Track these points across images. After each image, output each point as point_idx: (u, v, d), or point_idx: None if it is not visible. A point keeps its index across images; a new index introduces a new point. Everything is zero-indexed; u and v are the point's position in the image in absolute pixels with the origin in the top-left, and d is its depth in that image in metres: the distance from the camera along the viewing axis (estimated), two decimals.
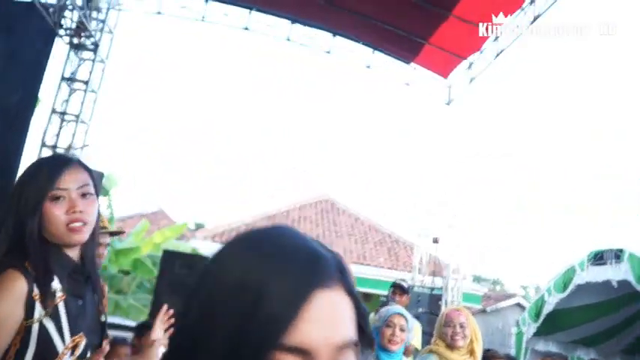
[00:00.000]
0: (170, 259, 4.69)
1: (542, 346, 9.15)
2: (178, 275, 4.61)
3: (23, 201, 1.25)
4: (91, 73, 6.16)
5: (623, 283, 6.90)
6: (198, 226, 29.18)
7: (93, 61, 6.14)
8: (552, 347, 9.17)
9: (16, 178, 1.33)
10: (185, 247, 10.77)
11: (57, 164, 1.31)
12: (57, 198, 1.26)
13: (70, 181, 1.28)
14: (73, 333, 1.26)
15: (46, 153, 5.79)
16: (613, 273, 7.12)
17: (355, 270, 12.93)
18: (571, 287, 7.97)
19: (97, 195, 1.38)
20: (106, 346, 1.37)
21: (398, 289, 4.33)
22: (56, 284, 1.25)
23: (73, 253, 1.33)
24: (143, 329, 3.58)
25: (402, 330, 2.63)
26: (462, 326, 2.81)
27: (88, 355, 1.32)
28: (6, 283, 1.18)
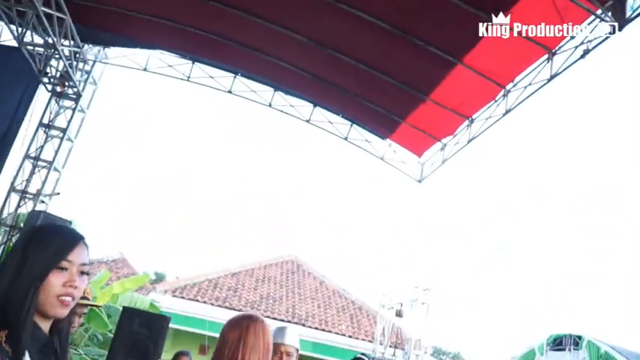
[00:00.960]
0: (130, 316, 4.54)
1: None
2: (137, 334, 4.45)
3: (28, 266, 1.25)
4: (69, 121, 6.17)
5: None
6: (159, 277, 28.29)
7: (73, 110, 6.16)
8: None
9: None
10: (143, 300, 10.39)
11: (71, 238, 1.34)
12: (62, 269, 1.28)
13: (76, 257, 1.31)
14: None
15: (15, 197, 5.67)
16: (572, 358, 7.21)
17: (317, 336, 12.65)
18: None
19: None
20: None
21: None
22: (28, 358, 1.23)
23: (45, 326, 1.31)
24: None
25: None
26: None
27: None
28: None
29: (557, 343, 7.67)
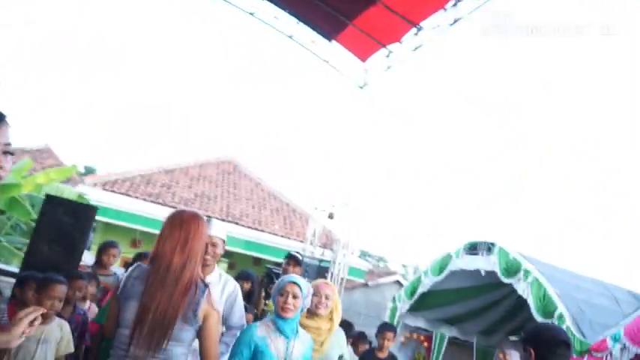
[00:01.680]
0: (53, 204, 4.36)
1: (412, 320, 9.97)
2: (61, 223, 4.32)
3: None
4: None
5: (491, 273, 7.67)
6: (88, 170, 27.35)
7: None
8: (420, 322, 10.04)
9: None
10: (71, 192, 10.05)
11: None
12: None
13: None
14: None
15: None
16: (483, 263, 7.88)
17: (250, 235, 12.98)
18: (446, 272, 8.70)
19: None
20: None
21: (292, 260, 4.45)
22: None
23: None
24: (24, 282, 3.37)
25: (294, 297, 2.72)
26: (326, 297, 3.17)
27: None
28: None
29: (473, 249, 8.30)
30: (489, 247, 7.89)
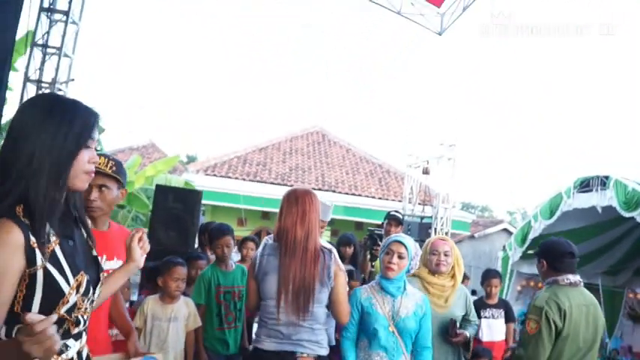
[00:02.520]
0: (163, 193, 4.73)
1: (526, 268, 9.56)
2: (172, 209, 4.67)
3: (60, 146, 1.28)
4: (70, 2, 5.89)
5: (608, 209, 7.10)
6: (191, 159, 29.20)
7: None
8: (536, 270, 9.57)
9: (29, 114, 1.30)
10: (177, 180, 10.81)
11: (93, 115, 1.38)
12: (88, 147, 1.35)
13: (96, 133, 1.40)
14: (74, 273, 1.30)
15: (31, 88, 5.66)
16: (598, 199, 7.31)
17: (347, 200, 13.15)
18: (557, 213, 8.19)
19: None
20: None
21: (393, 220, 4.40)
22: (49, 229, 1.28)
23: (61, 197, 1.36)
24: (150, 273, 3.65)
25: (400, 257, 2.66)
26: (445, 254, 3.05)
27: (91, 291, 1.37)
28: (1, 235, 1.18)
29: (584, 185, 7.71)
30: (603, 182, 7.28)
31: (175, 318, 3.19)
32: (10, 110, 6.66)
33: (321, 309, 2.41)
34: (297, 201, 2.45)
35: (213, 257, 3.76)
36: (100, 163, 2.07)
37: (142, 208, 9.97)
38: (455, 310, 3.06)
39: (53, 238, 1.29)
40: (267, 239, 2.56)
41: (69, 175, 1.31)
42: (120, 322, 2.34)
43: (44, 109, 1.31)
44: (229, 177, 13.02)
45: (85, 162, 1.34)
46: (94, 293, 1.40)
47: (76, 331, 1.34)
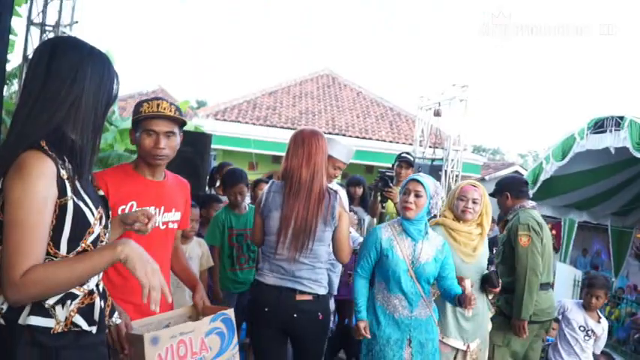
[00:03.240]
0: None
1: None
2: (183, 152, 4.67)
3: (102, 93, 1.36)
4: None
5: (621, 150, 6.99)
6: (200, 104, 29.02)
7: None
8: (546, 211, 9.61)
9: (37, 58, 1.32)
10: (187, 125, 10.80)
11: (115, 76, 1.43)
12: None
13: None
14: (95, 205, 1.36)
15: (35, 31, 5.58)
16: (612, 140, 7.16)
17: (357, 143, 13.09)
18: (570, 155, 8.08)
19: None
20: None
21: (404, 162, 4.35)
22: (69, 165, 1.31)
23: None
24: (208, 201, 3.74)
25: (417, 196, 2.58)
26: (474, 202, 2.88)
27: (108, 224, 1.44)
28: (37, 164, 1.22)
29: (598, 126, 7.56)
30: (618, 122, 7.12)
31: (189, 257, 3.28)
32: (16, 55, 6.61)
33: (324, 247, 2.45)
34: (304, 142, 2.46)
35: (225, 198, 3.83)
36: (164, 108, 1.99)
37: None
38: (482, 261, 2.95)
39: (72, 173, 1.33)
40: (274, 180, 2.59)
41: (102, 127, 1.39)
42: (184, 276, 2.33)
43: (86, 53, 1.35)
44: (239, 121, 12.99)
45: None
46: (108, 226, 1.44)
47: None
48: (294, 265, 2.39)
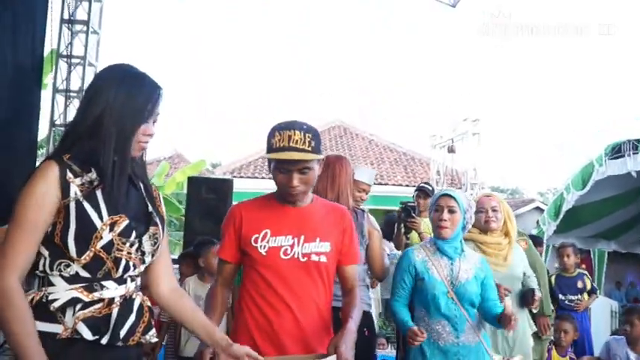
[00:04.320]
0: (196, 185, 4.85)
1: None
2: (206, 200, 4.78)
3: (128, 116, 1.39)
4: (89, 13, 6.07)
5: None
6: (214, 166, 29.52)
7: (89, 0, 6.03)
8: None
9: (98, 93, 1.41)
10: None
11: (158, 89, 1.47)
12: (147, 119, 1.44)
13: (159, 108, 1.47)
14: (110, 212, 1.36)
15: (60, 98, 5.86)
16: (632, 164, 7.10)
17: (374, 190, 13.05)
18: (590, 183, 8.00)
19: None
20: None
21: (422, 192, 4.43)
22: (93, 175, 1.37)
23: None
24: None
25: (451, 212, 2.41)
26: (494, 210, 2.87)
27: (133, 235, 1.41)
28: (41, 171, 1.33)
29: (616, 151, 7.52)
30: (635, 145, 7.09)
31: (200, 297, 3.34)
32: (44, 123, 6.90)
33: (359, 266, 2.43)
34: (328, 167, 2.51)
35: None
36: (296, 142, 1.72)
37: (174, 212, 10.19)
38: (516, 269, 2.92)
39: (96, 182, 1.38)
40: None
41: (131, 144, 1.40)
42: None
43: (116, 76, 1.43)
44: (256, 177, 13.16)
45: (141, 134, 1.43)
46: (140, 242, 1.43)
47: (119, 275, 1.38)
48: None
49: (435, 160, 10.20)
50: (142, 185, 1.53)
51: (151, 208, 1.50)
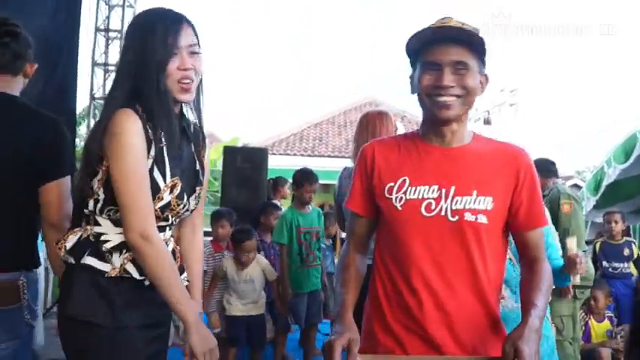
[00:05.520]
0: (231, 154, 4.91)
1: (601, 218, 9.08)
2: (241, 169, 4.85)
3: (149, 56, 1.32)
4: None
5: None
6: (245, 145, 29.77)
7: None
8: None
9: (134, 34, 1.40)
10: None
11: (174, 22, 1.36)
12: (174, 54, 1.33)
13: (183, 39, 1.35)
14: (172, 175, 1.37)
15: (99, 71, 5.99)
16: None
17: None
18: (633, 155, 7.70)
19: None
20: None
21: None
22: (160, 131, 1.36)
23: (175, 108, 1.41)
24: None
25: None
26: None
27: (185, 197, 1.43)
28: (129, 119, 1.29)
29: None
30: None
31: (251, 280, 3.43)
32: (84, 96, 7.08)
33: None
34: (368, 123, 2.48)
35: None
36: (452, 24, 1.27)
37: (210, 187, 10.37)
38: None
39: (163, 140, 1.37)
40: (347, 166, 2.63)
41: (164, 84, 1.33)
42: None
43: (137, 21, 1.44)
44: (287, 154, 13.24)
45: (174, 71, 1.33)
46: (188, 201, 1.45)
47: (161, 224, 1.41)
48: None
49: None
50: (192, 134, 1.48)
51: (198, 166, 1.49)
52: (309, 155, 13.22)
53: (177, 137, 1.39)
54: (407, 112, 15.91)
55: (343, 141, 14.07)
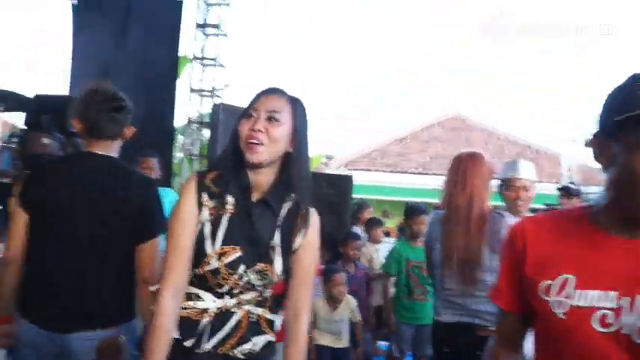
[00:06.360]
0: (317, 181, 4.94)
1: None
2: (326, 195, 4.87)
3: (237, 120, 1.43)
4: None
5: None
6: (329, 158, 30.07)
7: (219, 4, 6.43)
8: None
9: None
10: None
11: (265, 91, 1.41)
12: (248, 116, 1.36)
13: (262, 104, 1.36)
14: (225, 243, 1.36)
15: (195, 98, 6.34)
16: None
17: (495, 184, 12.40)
18: None
19: (298, 126, 1.40)
20: None
21: (564, 191, 4.41)
22: (230, 199, 1.37)
23: (257, 177, 1.38)
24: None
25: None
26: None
27: (241, 268, 1.37)
28: (184, 189, 1.41)
29: None
30: None
31: (341, 320, 3.48)
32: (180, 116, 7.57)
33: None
34: (459, 166, 2.34)
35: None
36: None
37: None
38: None
39: (230, 207, 1.37)
40: (437, 210, 2.56)
41: (236, 146, 1.36)
42: None
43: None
44: (369, 170, 13.19)
45: (244, 131, 1.35)
46: (246, 273, 1.38)
47: (220, 291, 1.39)
48: (470, 298, 2.24)
49: (566, 156, 9.41)
50: (280, 209, 1.42)
51: (276, 240, 1.41)
52: (392, 171, 13.08)
53: (243, 205, 1.37)
54: (494, 128, 15.31)
55: (427, 157, 13.79)
